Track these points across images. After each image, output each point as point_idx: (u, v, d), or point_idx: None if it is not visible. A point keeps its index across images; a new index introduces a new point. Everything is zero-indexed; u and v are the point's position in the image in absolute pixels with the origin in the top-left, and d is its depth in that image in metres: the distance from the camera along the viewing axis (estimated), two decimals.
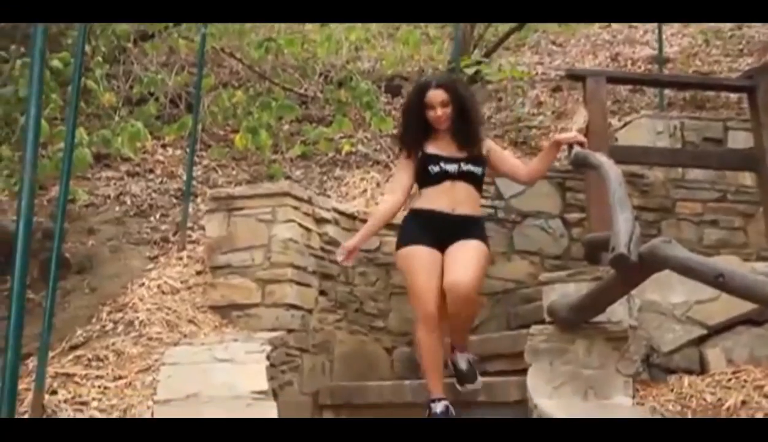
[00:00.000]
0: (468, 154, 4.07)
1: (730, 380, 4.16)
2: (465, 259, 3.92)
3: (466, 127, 4.07)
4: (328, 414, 4.82)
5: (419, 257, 3.97)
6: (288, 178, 6.42)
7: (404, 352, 5.41)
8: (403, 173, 4.19)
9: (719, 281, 3.02)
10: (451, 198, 4.02)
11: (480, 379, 4.45)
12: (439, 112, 4.04)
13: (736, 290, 3.01)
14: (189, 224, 5.59)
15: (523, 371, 4.31)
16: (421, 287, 3.92)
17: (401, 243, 4.08)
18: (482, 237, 4.07)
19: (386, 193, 4.37)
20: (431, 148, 4.10)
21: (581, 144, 4.06)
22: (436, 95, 4.04)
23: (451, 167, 4.03)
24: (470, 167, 4.05)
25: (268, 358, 4.20)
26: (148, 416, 3.51)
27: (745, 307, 4.33)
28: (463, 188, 4.05)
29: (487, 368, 4.95)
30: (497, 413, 4.34)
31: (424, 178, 4.08)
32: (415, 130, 4.10)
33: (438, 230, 3.99)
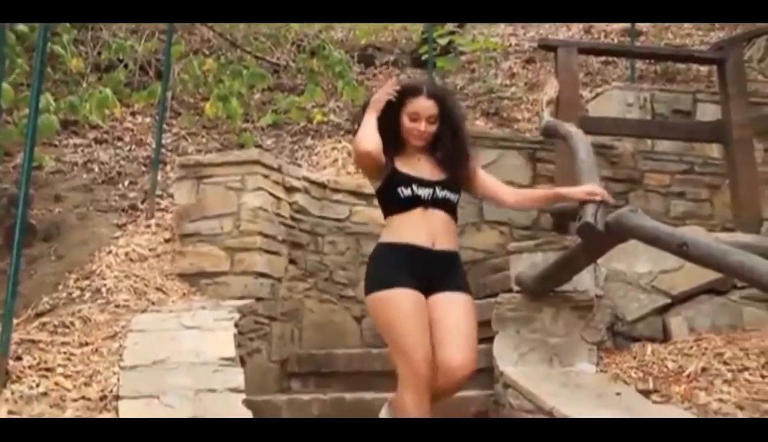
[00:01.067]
0: (445, 178, 3.29)
1: (691, 347, 4.24)
2: (459, 331, 3.14)
3: (454, 148, 3.30)
4: (296, 382, 4.84)
5: (404, 306, 3.07)
6: (259, 147, 6.39)
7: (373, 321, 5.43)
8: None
9: (683, 250, 3.06)
10: (428, 230, 3.19)
11: None
12: (423, 127, 3.25)
13: (700, 259, 3.05)
14: (158, 192, 5.56)
15: (491, 340, 4.36)
16: (411, 345, 3.05)
17: (376, 285, 3.15)
18: (467, 285, 3.31)
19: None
20: (402, 165, 3.26)
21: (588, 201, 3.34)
22: (425, 107, 3.24)
23: (425, 192, 3.21)
24: (446, 194, 3.25)
25: (236, 325, 4.20)
26: (114, 381, 3.51)
27: (707, 277, 4.41)
28: (439, 218, 3.22)
29: None
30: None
31: (390, 202, 3.26)
32: (385, 134, 3.20)
33: (419, 270, 3.14)
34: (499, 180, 3.57)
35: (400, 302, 3.08)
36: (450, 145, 3.29)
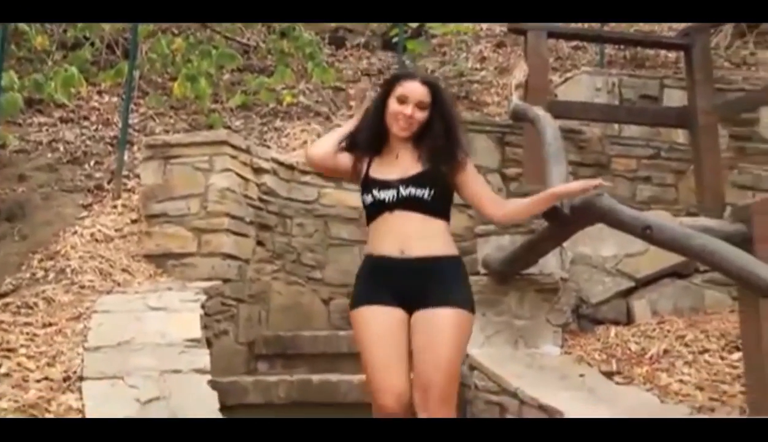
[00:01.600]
0: (415, 173, 2.82)
1: (654, 330, 4.31)
2: (435, 349, 2.66)
3: (446, 141, 2.85)
4: (263, 364, 4.84)
5: (372, 327, 2.71)
6: (228, 128, 6.33)
7: (341, 303, 5.44)
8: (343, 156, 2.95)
9: (647, 234, 3.11)
10: (395, 236, 2.77)
11: None
12: (410, 111, 2.81)
13: (663, 242, 3.10)
14: (125, 172, 5.49)
15: None
16: (376, 374, 2.68)
17: (351, 302, 2.87)
18: (458, 296, 2.75)
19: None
20: (375, 169, 2.88)
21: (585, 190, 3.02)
22: (415, 90, 2.83)
23: (387, 195, 2.80)
24: (412, 191, 2.79)
25: (202, 307, 4.18)
26: (77, 362, 3.48)
27: (671, 261, 4.47)
28: (409, 221, 2.77)
29: None
30: None
31: (365, 211, 2.90)
32: (370, 129, 2.89)
33: (392, 283, 2.74)
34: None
35: (368, 322, 2.72)
36: (441, 137, 2.85)
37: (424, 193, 2.78)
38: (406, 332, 2.71)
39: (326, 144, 2.93)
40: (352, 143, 2.92)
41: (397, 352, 2.68)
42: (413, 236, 2.76)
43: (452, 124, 2.89)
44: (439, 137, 2.84)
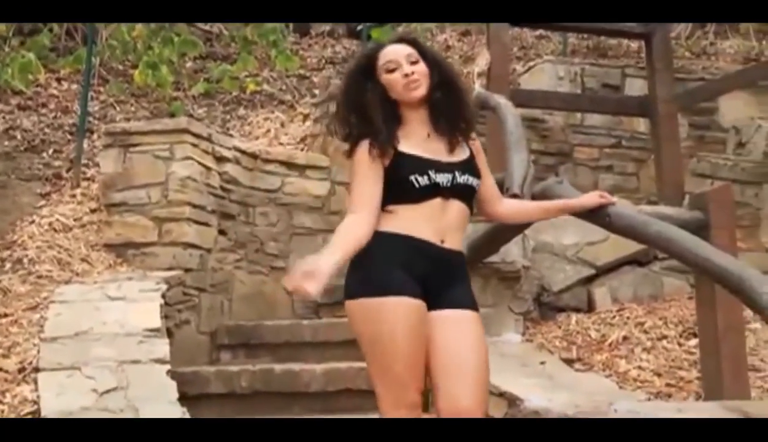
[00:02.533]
0: (465, 158, 2.55)
1: (614, 317, 4.36)
2: (470, 366, 2.41)
3: (453, 104, 2.52)
4: (225, 353, 4.81)
5: (402, 322, 2.38)
6: (190, 116, 6.26)
7: None
8: (370, 183, 2.48)
9: (606, 221, 3.13)
10: (441, 224, 2.48)
11: None
12: (407, 69, 2.47)
13: (622, 230, 3.12)
14: (84, 161, 5.41)
15: None
16: (401, 379, 2.39)
17: (366, 288, 2.41)
18: (475, 300, 2.56)
19: (351, 209, 2.49)
20: (408, 145, 2.50)
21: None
22: (397, 50, 2.50)
23: (443, 178, 2.48)
24: (467, 178, 2.53)
25: (163, 297, 4.14)
26: (33, 353, 3.43)
27: (631, 248, 4.52)
28: (456, 210, 2.50)
29: None
30: None
31: (400, 191, 2.48)
32: (380, 113, 2.49)
33: (422, 270, 2.45)
34: None
35: (398, 316, 2.39)
36: (448, 98, 2.52)
37: (476, 182, 2.55)
38: (426, 330, 2.44)
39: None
40: (376, 138, 2.48)
41: (422, 352, 2.42)
42: (452, 227, 2.51)
43: (452, 80, 2.56)
44: (447, 98, 2.52)
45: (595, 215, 3.15)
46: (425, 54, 2.52)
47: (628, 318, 4.32)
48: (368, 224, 2.43)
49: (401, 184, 2.46)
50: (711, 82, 5.99)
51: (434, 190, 2.46)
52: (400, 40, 2.57)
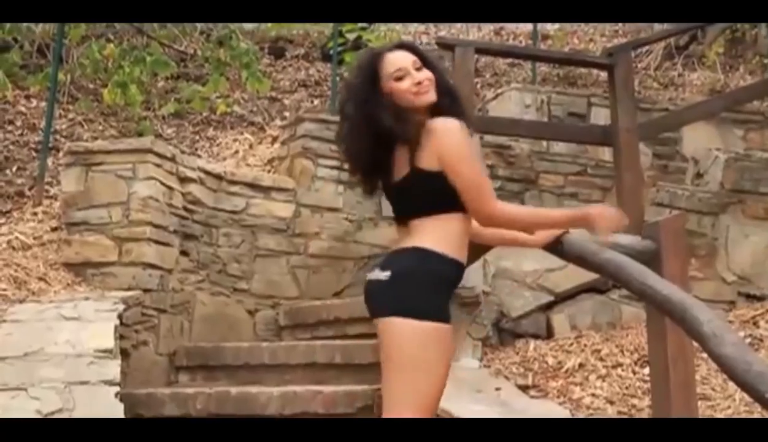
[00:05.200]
0: None
1: (572, 344, 4.38)
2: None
3: (458, 109, 2.51)
4: (184, 375, 4.77)
5: (450, 353, 2.49)
6: (159, 136, 6.26)
7: (267, 314, 5.40)
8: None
9: (558, 249, 3.16)
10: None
11: None
12: (418, 76, 2.46)
13: (573, 257, 3.15)
14: (48, 179, 5.39)
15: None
16: (435, 402, 2.44)
17: (439, 313, 2.40)
18: None
19: (493, 196, 2.48)
20: None
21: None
22: (402, 57, 2.49)
23: None
24: None
25: (119, 317, 4.11)
26: None
27: (589, 276, 4.54)
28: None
29: (348, 331, 5.00)
30: (353, 376, 4.41)
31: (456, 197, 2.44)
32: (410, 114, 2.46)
33: None
34: None
35: (451, 346, 2.42)
36: (454, 104, 2.51)
37: None
38: None
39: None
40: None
41: None
42: None
43: (450, 82, 2.60)
44: (457, 110, 2.50)
45: (548, 244, 3.18)
46: (426, 60, 2.51)
47: (585, 345, 4.34)
48: None
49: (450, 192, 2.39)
50: (673, 113, 6.07)
51: None
52: (401, 46, 2.55)
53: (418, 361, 2.33)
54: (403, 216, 2.50)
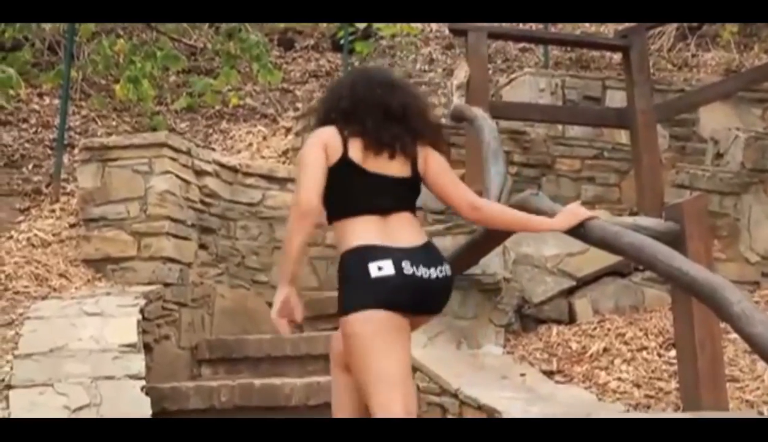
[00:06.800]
0: None
1: (595, 328, 4.34)
2: None
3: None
4: (206, 368, 4.78)
5: None
6: (172, 130, 6.25)
7: None
8: None
9: (580, 232, 3.13)
10: None
11: None
12: None
13: (595, 241, 3.12)
14: (64, 176, 5.39)
15: None
16: None
17: None
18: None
19: None
20: None
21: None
22: None
23: None
24: None
25: (141, 312, 4.11)
26: (6, 370, 3.39)
27: (611, 260, 4.51)
28: None
29: None
30: None
31: None
32: None
33: None
34: None
35: None
36: None
37: None
38: None
39: None
40: None
41: None
42: None
43: None
44: None
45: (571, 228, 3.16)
46: None
47: (608, 329, 4.30)
48: None
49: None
50: (689, 94, 6.01)
51: None
52: None
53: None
54: (391, 208, 2.67)
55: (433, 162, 2.76)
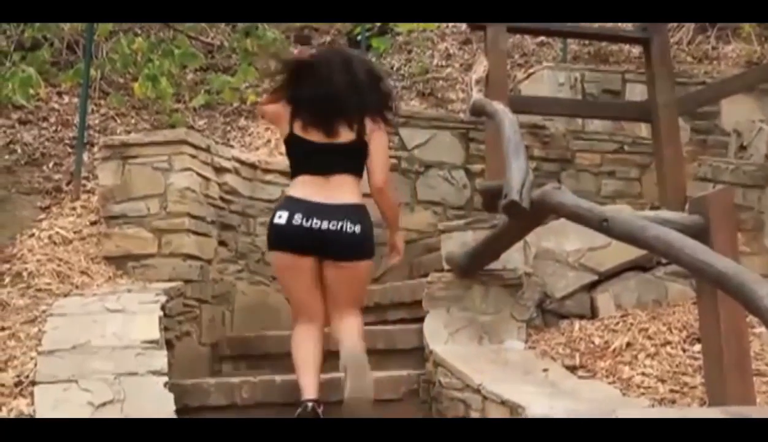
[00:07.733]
0: None
1: (617, 323, 4.31)
2: None
3: None
4: (227, 365, 4.78)
5: None
6: (191, 127, 6.26)
7: None
8: None
9: (604, 226, 3.10)
10: None
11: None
12: None
13: (619, 234, 3.09)
14: (84, 174, 5.41)
15: (423, 319, 4.37)
16: None
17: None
18: None
19: None
20: None
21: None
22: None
23: None
24: None
25: (162, 308, 4.11)
26: (30, 367, 3.40)
27: (634, 254, 4.47)
28: None
29: (388, 316, 4.99)
30: (397, 361, 4.39)
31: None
32: None
33: None
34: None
35: None
36: None
37: None
38: None
39: None
40: None
41: None
42: None
43: None
44: None
45: (591, 221, 3.13)
46: None
47: (631, 324, 4.26)
48: None
49: None
50: (711, 86, 5.96)
51: None
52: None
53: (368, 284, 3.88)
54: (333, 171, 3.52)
55: (375, 138, 3.57)
